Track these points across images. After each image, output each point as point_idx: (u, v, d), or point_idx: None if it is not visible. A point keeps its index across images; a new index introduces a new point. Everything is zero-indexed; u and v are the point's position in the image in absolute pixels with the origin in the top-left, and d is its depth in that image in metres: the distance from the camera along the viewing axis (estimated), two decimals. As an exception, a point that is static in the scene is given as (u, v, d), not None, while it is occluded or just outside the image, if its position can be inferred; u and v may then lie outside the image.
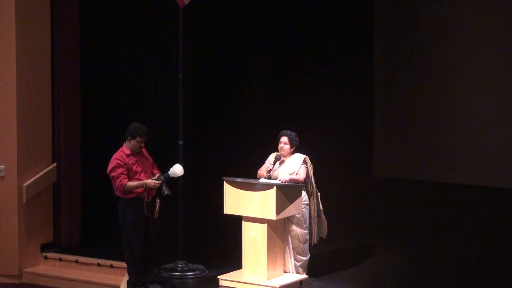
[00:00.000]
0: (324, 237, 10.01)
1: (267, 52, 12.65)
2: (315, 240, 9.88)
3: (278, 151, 9.83)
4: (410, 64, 12.61)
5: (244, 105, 12.51)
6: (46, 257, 11.08)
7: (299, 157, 9.80)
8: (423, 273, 10.16)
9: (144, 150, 9.52)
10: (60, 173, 11.18)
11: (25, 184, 10.84)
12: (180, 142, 10.35)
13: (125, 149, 9.35)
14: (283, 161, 9.81)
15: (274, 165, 9.74)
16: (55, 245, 11.25)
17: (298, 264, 9.77)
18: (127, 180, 9.19)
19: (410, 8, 12.57)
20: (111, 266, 10.28)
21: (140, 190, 9.25)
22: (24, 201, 10.85)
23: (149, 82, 12.10)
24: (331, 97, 12.54)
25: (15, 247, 10.84)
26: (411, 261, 10.63)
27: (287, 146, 9.75)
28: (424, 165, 12.49)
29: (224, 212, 9.71)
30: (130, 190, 9.21)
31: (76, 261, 10.86)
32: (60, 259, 11.00)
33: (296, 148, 9.85)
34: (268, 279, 9.51)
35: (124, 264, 10.18)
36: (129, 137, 9.32)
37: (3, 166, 10.80)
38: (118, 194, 9.30)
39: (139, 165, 9.35)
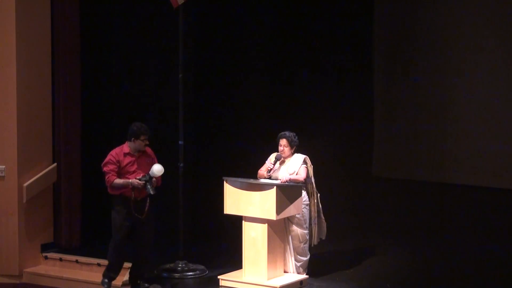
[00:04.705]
0: (324, 238, 10.01)
1: (267, 51, 12.63)
2: (315, 241, 9.88)
3: (278, 151, 9.84)
4: (410, 63, 12.59)
5: (244, 105, 12.50)
6: (46, 257, 11.07)
7: (300, 157, 9.80)
8: (423, 273, 10.17)
9: (149, 150, 9.61)
10: (60, 173, 11.18)
11: (25, 184, 10.83)
12: (180, 142, 10.36)
13: (125, 147, 9.49)
14: (284, 161, 9.81)
15: (274, 165, 9.75)
16: (55, 245, 11.25)
17: (298, 264, 9.78)
18: (115, 177, 9.36)
19: (410, 8, 12.56)
20: (111, 266, 10.27)
21: (128, 189, 9.35)
22: (24, 201, 10.84)
23: (149, 82, 12.10)
24: (331, 97, 12.51)
25: (15, 247, 10.84)
26: (411, 261, 10.63)
27: (287, 149, 9.76)
28: (424, 165, 12.47)
29: (224, 212, 9.72)
30: (117, 187, 9.35)
31: (76, 261, 10.86)
32: (60, 259, 11.00)
33: (296, 148, 9.86)
34: (268, 279, 9.52)
35: (124, 264, 10.19)
36: (133, 138, 9.41)
37: (3, 166, 10.80)
38: (108, 189, 9.46)
39: (135, 165, 9.42)
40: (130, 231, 9.50)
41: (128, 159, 9.45)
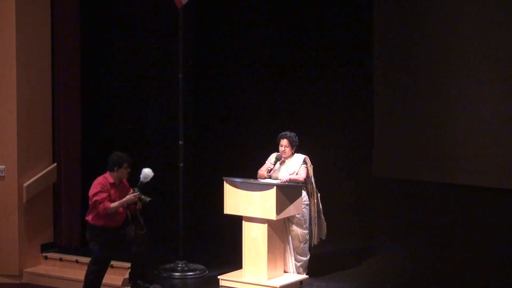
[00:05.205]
0: (324, 238, 10.01)
1: (267, 51, 12.63)
2: (315, 241, 9.88)
3: (278, 151, 9.84)
4: (410, 64, 12.58)
5: (244, 105, 12.49)
6: (46, 257, 11.07)
7: (300, 157, 9.81)
8: (423, 273, 10.17)
9: (124, 180, 9.60)
10: (60, 173, 11.18)
11: (25, 184, 10.84)
12: (180, 142, 10.36)
13: (109, 178, 9.43)
14: (284, 161, 9.82)
15: (274, 165, 9.75)
16: (55, 245, 11.25)
17: (298, 264, 9.78)
18: (109, 203, 9.26)
19: (410, 8, 12.56)
20: (111, 266, 10.25)
21: (121, 211, 9.34)
22: (24, 201, 10.84)
23: (149, 82, 12.10)
24: (331, 97, 12.50)
25: (15, 247, 10.84)
26: (411, 261, 10.63)
27: (288, 149, 9.76)
28: (424, 165, 12.45)
29: (224, 212, 9.72)
30: (112, 211, 9.27)
31: (76, 261, 10.86)
32: (60, 259, 11.00)
33: (296, 148, 9.86)
34: (268, 279, 9.52)
35: (124, 264, 10.20)
36: (115, 167, 9.38)
37: (3, 166, 10.80)
38: (89, 217, 9.35)
39: (117, 195, 9.37)
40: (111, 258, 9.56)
41: (113, 190, 9.39)
